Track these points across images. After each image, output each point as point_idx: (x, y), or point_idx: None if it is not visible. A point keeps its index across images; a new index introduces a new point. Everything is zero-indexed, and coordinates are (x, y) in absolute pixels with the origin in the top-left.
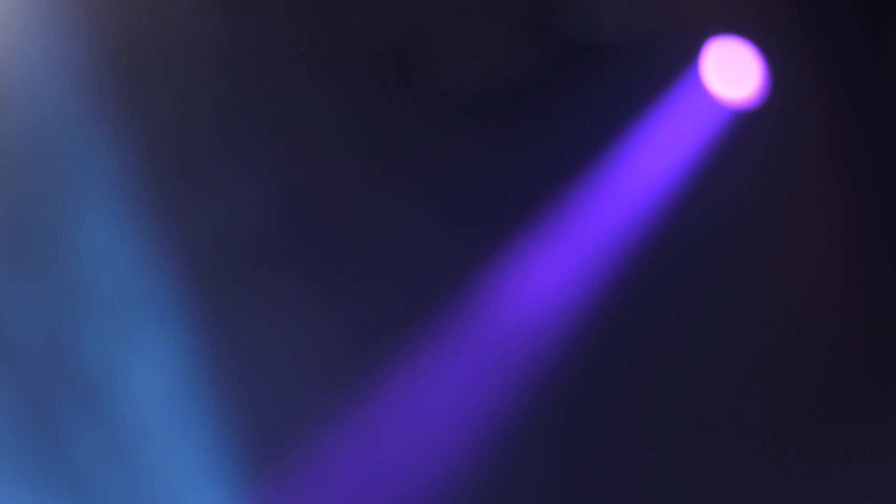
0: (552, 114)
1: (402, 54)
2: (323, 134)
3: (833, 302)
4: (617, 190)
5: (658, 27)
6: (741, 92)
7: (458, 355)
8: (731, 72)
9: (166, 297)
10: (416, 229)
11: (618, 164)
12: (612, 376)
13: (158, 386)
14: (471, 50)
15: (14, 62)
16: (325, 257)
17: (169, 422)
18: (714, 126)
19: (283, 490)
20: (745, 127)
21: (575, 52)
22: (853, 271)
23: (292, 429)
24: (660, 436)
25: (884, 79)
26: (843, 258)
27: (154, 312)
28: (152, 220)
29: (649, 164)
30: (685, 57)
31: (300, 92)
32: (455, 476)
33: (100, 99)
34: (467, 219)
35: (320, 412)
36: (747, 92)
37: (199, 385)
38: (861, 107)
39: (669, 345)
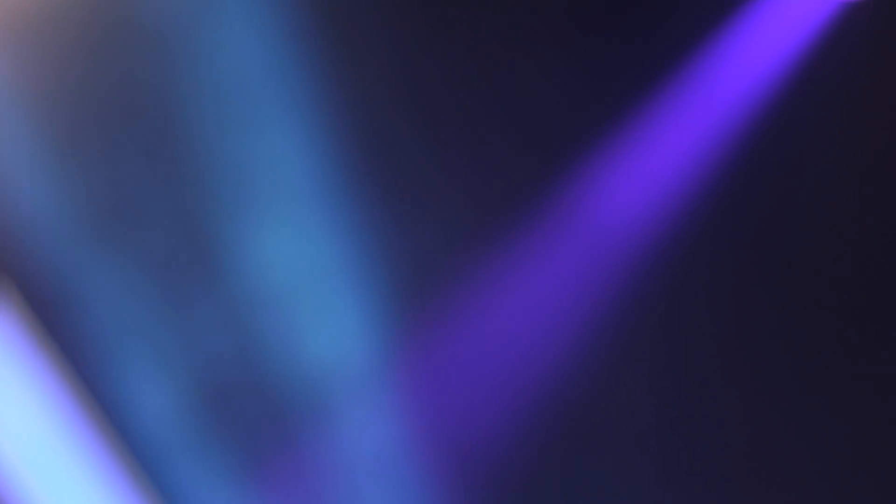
0: (653, 4)
1: None
2: (444, 34)
3: None
4: (718, 85)
5: None
6: None
7: (563, 247)
8: None
9: (304, 163)
10: (535, 116)
11: (718, 58)
12: (721, 275)
13: (294, 256)
14: None
15: None
16: (442, 144)
17: (304, 287)
18: (819, 20)
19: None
20: (851, 20)
21: None
22: None
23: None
24: (767, 337)
25: None
26: None
27: (288, 179)
28: (303, 88)
29: (751, 58)
30: None
31: None
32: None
33: None
34: (578, 108)
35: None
36: None
37: (336, 251)
38: None
39: (773, 242)
